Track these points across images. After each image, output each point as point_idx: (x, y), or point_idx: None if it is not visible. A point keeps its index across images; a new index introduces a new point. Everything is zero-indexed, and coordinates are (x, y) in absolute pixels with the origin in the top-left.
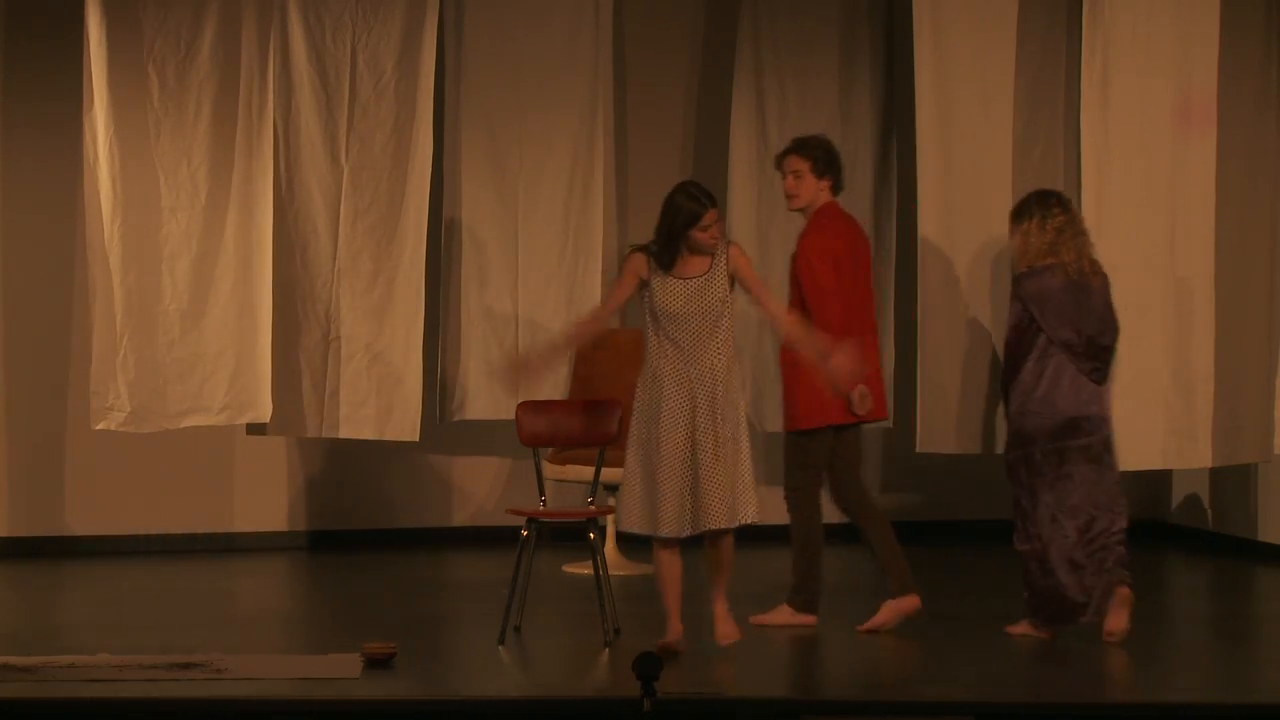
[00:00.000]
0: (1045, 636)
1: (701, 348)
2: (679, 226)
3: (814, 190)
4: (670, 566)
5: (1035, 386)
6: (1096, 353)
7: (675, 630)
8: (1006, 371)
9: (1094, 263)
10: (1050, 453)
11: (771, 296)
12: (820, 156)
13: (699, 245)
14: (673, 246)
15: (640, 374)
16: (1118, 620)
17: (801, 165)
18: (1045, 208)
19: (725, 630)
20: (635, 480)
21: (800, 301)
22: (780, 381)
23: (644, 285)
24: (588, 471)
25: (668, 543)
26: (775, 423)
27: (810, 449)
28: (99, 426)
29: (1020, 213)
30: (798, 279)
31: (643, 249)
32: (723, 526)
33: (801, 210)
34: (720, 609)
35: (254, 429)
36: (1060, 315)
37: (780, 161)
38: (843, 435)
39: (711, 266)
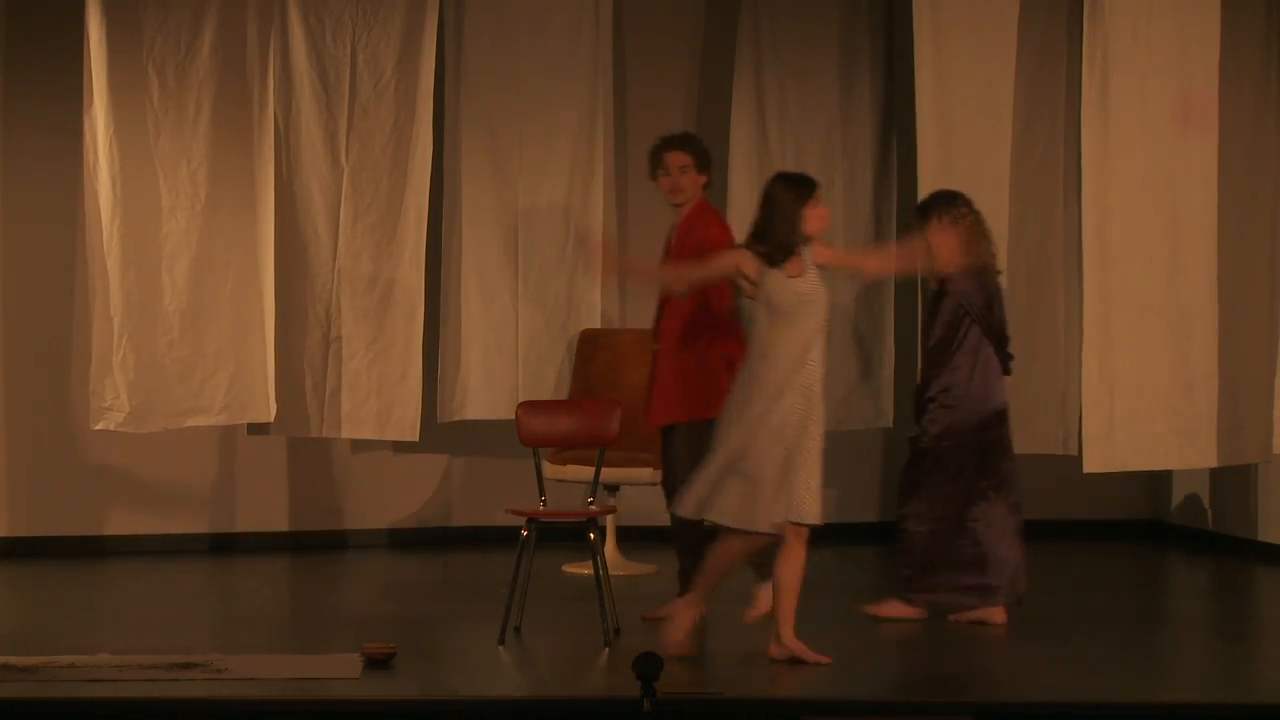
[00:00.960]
0: (917, 615)
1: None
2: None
3: (696, 186)
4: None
5: (970, 380)
6: (1007, 345)
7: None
8: (934, 366)
9: (995, 259)
10: (982, 442)
11: (861, 255)
12: (702, 152)
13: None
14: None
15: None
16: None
17: (687, 161)
18: (954, 207)
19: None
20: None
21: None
22: None
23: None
24: (588, 471)
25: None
26: None
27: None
28: (98, 427)
29: (928, 212)
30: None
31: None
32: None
33: (679, 205)
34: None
35: (254, 429)
36: (994, 311)
37: (661, 157)
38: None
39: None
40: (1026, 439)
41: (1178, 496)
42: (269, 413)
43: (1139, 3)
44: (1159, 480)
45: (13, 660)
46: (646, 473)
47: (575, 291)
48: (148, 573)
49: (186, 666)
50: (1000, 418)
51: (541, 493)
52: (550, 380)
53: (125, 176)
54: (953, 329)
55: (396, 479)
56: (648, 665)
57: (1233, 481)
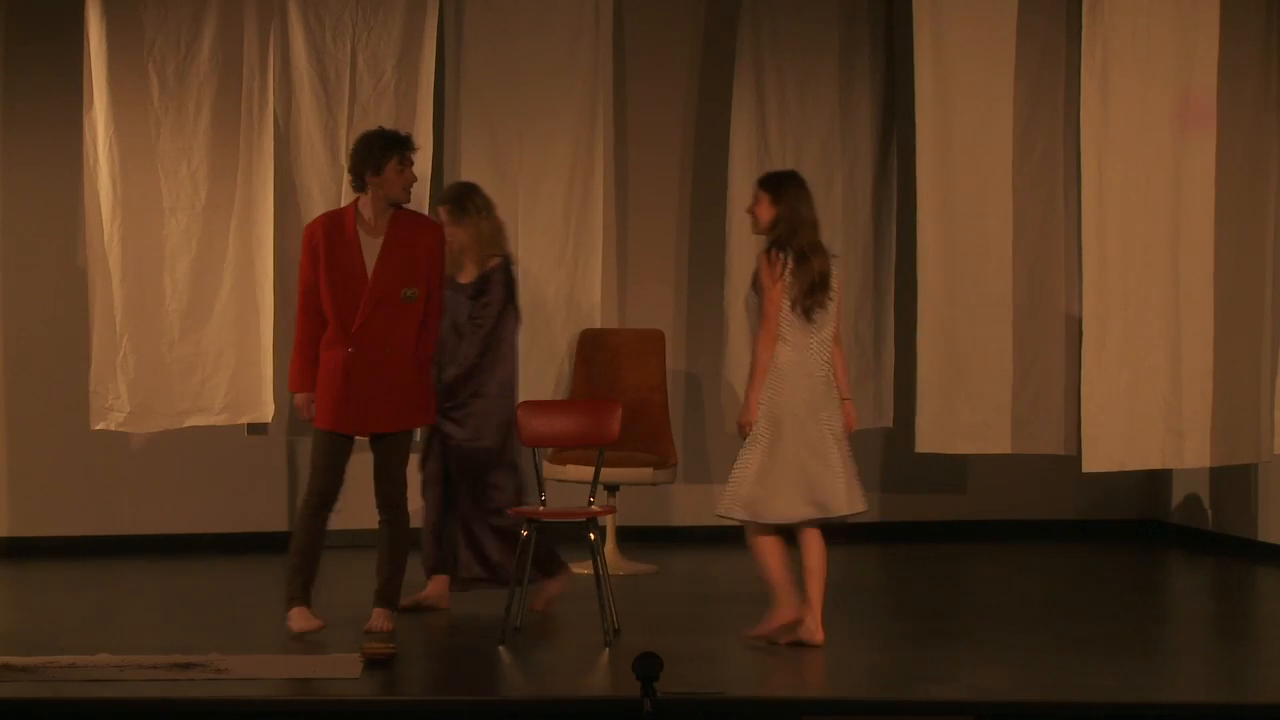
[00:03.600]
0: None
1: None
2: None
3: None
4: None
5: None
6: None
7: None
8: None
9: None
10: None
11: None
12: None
13: None
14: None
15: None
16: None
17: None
18: (483, 197)
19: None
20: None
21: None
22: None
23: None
24: (588, 471)
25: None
26: None
27: None
28: (98, 426)
29: (463, 206)
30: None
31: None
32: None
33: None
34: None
35: (254, 429)
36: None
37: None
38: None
39: None
40: (1026, 439)
41: (1178, 496)
42: (269, 413)
43: (1139, 3)
44: (1159, 480)
45: (13, 660)
46: (646, 473)
47: (575, 291)
48: (148, 573)
49: (186, 666)
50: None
51: (541, 492)
52: (550, 380)
53: (125, 177)
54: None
55: None
56: (648, 665)
57: (1233, 481)
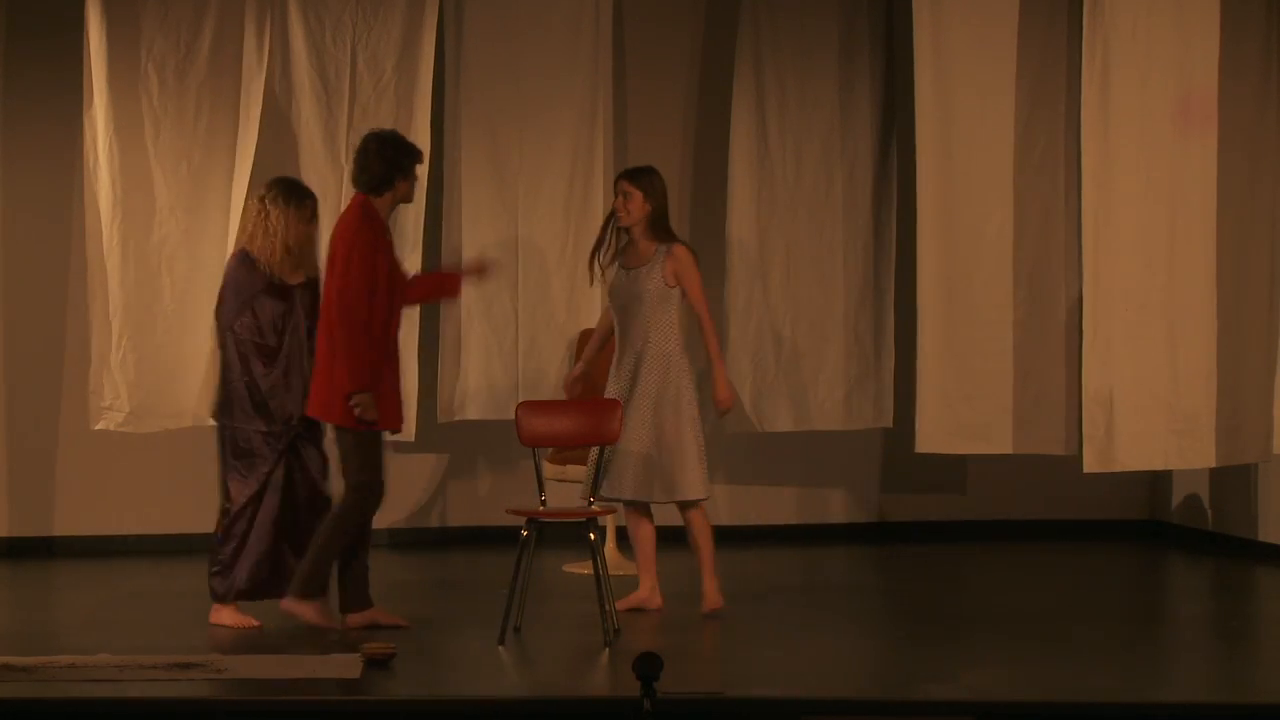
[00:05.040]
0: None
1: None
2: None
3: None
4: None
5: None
6: None
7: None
8: None
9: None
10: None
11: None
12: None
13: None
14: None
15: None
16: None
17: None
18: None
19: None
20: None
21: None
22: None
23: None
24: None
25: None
26: (774, 422)
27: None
28: (98, 426)
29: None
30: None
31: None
32: None
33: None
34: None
35: None
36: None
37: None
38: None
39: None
40: (1027, 439)
41: (1178, 496)
42: None
43: (1139, 2)
44: (1159, 480)
45: (13, 660)
46: None
47: (575, 291)
48: (148, 573)
49: (186, 666)
50: None
51: (541, 493)
52: (550, 380)
53: (125, 176)
54: None
55: (396, 479)
56: (648, 665)
57: (1233, 481)
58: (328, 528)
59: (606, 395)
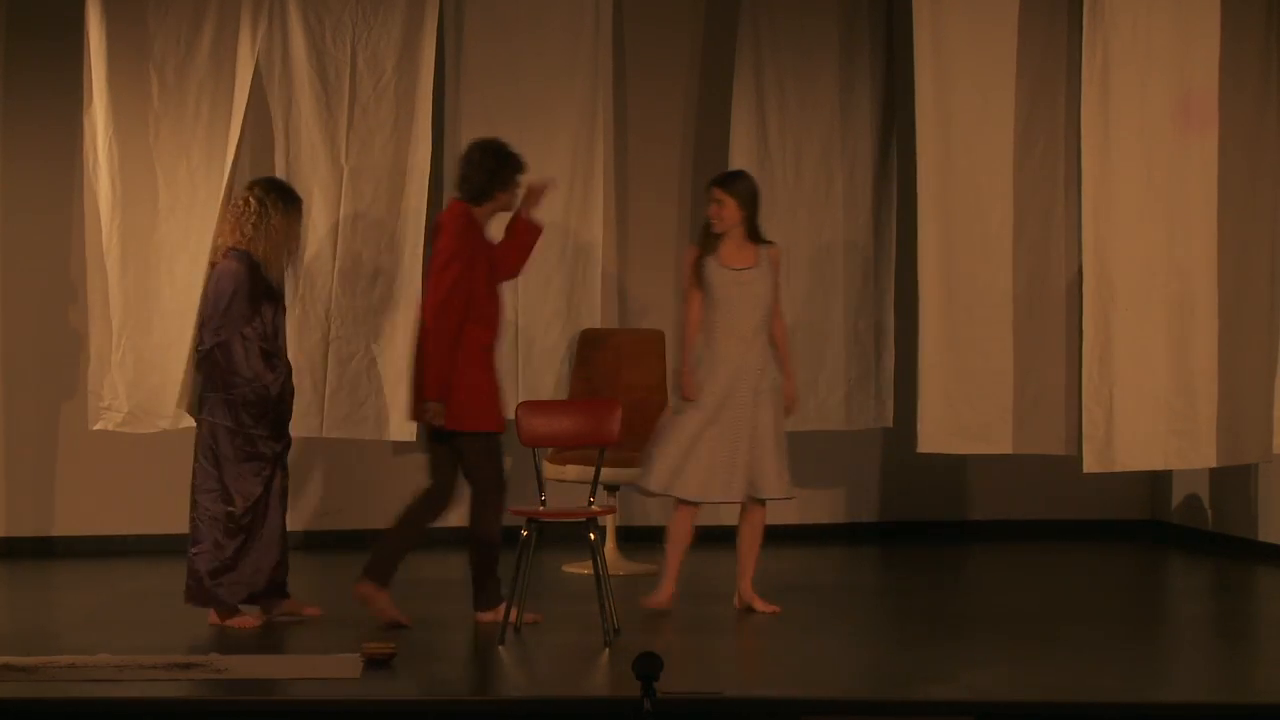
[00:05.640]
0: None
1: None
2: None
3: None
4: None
5: None
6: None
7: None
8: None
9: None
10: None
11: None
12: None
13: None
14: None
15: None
16: None
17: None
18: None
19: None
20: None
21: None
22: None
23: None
24: (588, 471)
25: None
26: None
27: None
28: (97, 427)
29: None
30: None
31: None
32: None
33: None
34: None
35: None
36: None
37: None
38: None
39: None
40: (1027, 439)
41: (1178, 496)
42: None
43: (1139, 2)
44: (1159, 480)
45: (13, 660)
46: None
47: (575, 291)
48: (148, 573)
49: (186, 666)
50: None
51: (541, 492)
52: (550, 380)
53: (125, 175)
54: None
55: (396, 479)
56: (648, 665)
57: (1233, 481)
58: (478, 534)
59: (703, 389)
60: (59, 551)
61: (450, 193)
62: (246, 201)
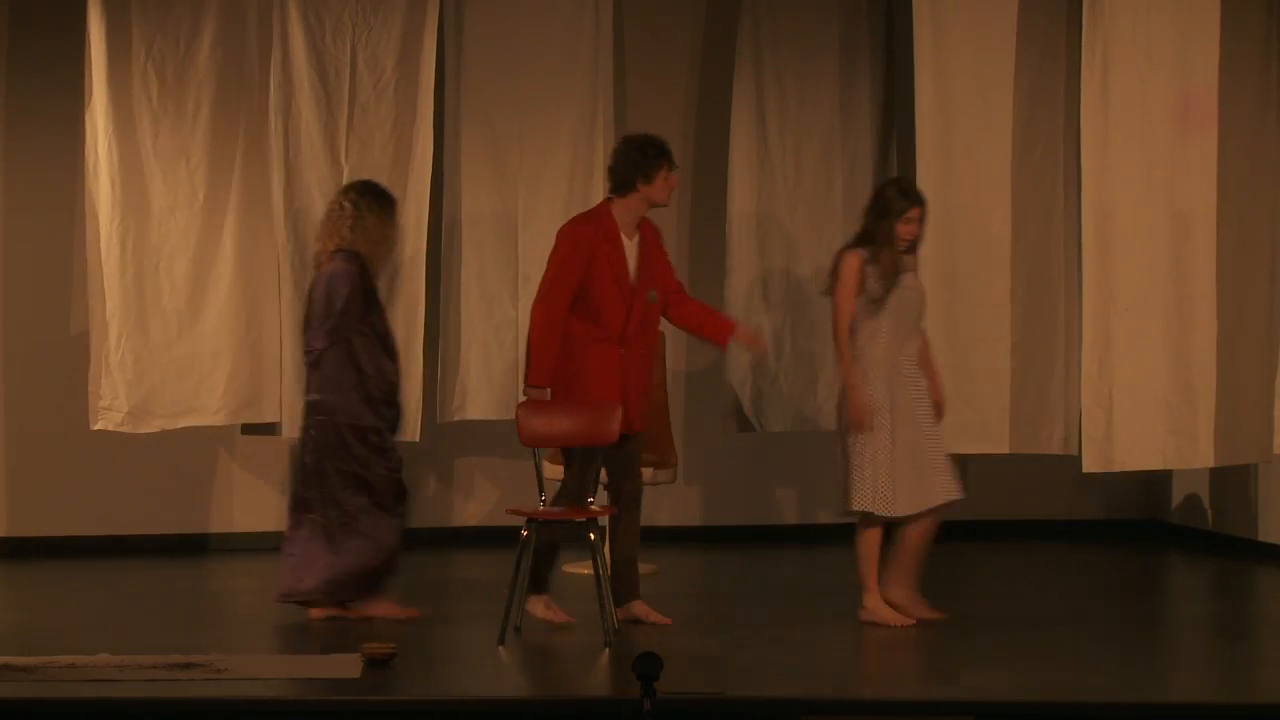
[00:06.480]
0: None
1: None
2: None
3: None
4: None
5: None
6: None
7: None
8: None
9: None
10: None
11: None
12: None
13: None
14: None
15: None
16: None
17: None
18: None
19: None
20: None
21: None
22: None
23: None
24: None
25: None
26: (775, 423)
27: None
28: (97, 427)
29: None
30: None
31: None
32: None
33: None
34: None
35: (252, 429)
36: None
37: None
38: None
39: None
40: (1026, 439)
41: (1178, 496)
42: (271, 413)
43: (1139, 2)
44: (1159, 480)
45: (13, 660)
46: (647, 473)
47: None
48: (148, 573)
49: (186, 666)
50: None
51: (541, 492)
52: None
53: (125, 175)
54: None
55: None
56: (648, 665)
57: (1233, 481)
58: (631, 529)
59: (872, 392)
60: (59, 551)
61: (459, 192)
62: (341, 205)
